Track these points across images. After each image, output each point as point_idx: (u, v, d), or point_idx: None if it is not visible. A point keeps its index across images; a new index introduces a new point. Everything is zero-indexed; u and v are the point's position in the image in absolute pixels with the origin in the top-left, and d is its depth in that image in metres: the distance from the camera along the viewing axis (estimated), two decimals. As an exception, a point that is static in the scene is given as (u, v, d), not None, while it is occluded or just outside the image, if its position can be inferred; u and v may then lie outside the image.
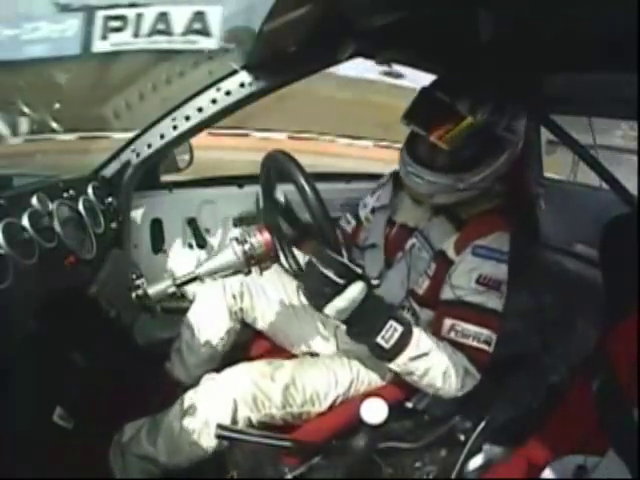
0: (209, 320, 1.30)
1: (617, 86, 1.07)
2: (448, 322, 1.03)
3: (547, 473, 0.85)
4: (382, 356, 0.96)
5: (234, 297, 1.31)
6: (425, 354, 0.96)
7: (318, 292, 0.89)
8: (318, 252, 0.88)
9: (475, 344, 1.01)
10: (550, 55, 1.01)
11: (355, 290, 0.88)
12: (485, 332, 1.01)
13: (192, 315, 1.32)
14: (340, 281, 0.87)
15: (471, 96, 1.07)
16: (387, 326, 0.93)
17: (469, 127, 1.04)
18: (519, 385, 1.20)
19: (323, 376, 1.12)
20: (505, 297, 1.05)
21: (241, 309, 1.32)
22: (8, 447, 0.86)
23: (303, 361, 1.17)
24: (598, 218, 1.04)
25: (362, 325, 0.92)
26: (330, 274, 0.86)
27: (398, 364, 0.96)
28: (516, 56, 1.08)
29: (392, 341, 0.93)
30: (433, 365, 0.97)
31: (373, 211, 1.35)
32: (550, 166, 1.87)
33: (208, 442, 1.03)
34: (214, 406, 1.02)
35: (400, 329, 0.94)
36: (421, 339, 0.97)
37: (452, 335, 1.02)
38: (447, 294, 1.06)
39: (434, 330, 1.04)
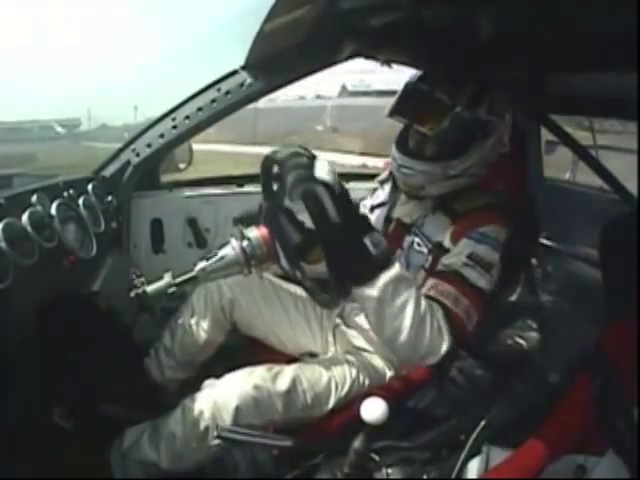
0: (190, 329, 1.30)
1: (617, 86, 1.07)
2: (431, 281, 1.01)
3: (547, 473, 0.85)
4: (364, 267, 0.82)
5: (223, 309, 1.31)
6: (410, 280, 0.87)
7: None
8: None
9: (453, 307, 0.94)
10: (550, 55, 1.01)
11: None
12: (465, 301, 0.96)
13: (174, 320, 1.33)
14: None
15: (451, 83, 1.10)
16: (374, 233, 0.82)
17: (451, 112, 1.07)
18: (519, 385, 1.20)
19: (323, 380, 1.12)
20: (493, 282, 1.03)
21: (233, 321, 1.32)
22: (8, 447, 0.86)
23: (303, 365, 1.16)
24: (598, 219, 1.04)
25: (349, 223, 0.79)
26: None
27: (380, 283, 0.82)
28: (516, 56, 1.08)
29: (379, 248, 0.81)
30: (411, 300, 0.85)
31: (372, 209, 1.35)
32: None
33: (210, 448, 1.03)
34: (216, 413, 1.02)
35: (385, 242, 0.83)
36: (404, 270, 0.87)
37: (432, 292, 0.96)
38: (437, 267, 1.06)
39: None
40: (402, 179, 1.17)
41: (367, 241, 0.81)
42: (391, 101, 1.19)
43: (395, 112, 1.15)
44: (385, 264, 0.83)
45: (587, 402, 0.87)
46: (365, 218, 0.86)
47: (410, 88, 1.17)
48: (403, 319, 0.85)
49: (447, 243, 1.09)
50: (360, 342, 1.22)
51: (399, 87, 1.20)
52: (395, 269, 0.84)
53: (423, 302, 0.88)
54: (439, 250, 1.10)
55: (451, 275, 1.00)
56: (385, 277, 0.82)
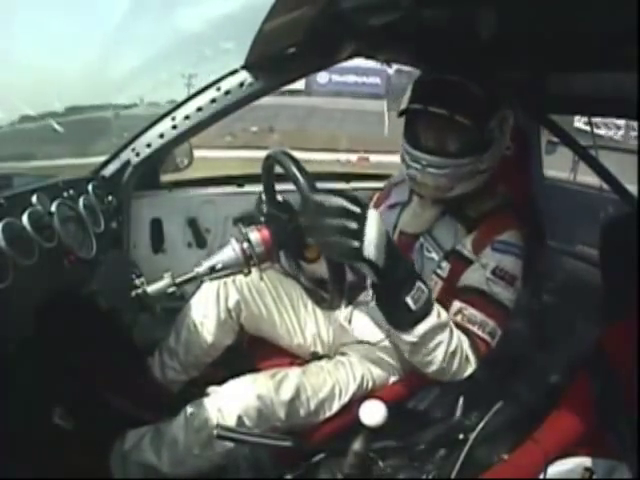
0: (195, 331, 1.28)
1: (617, 85, 1.07)
2: (457, 304, 1.02)
3: (552, 473, 0.85)
4: (404, 321, 0.87)
5: (229, 311, 1.29)
6: (444, 325, 0.91)
7: (341, 235, 0.75)
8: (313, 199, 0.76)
9: (479, 332, 0.99)
10: (550, 55, 1.01)
11: (373, 219, 0.76)
12: (491, 323, 1.00)
13: (180, 321, 1.31)
14: (356, 209, 0.75)
15: (471, 71, 1.07)
16: (416, 286, 0.85)
17: (483, 100, 1.05)
18: (519, 385, 1.20)
19: (327, 387, 1.11)
20: (516, 294, 1.04)
21: (239, 323, 1.31)
22: (8, 447, 0.86)
23: (307, 370, 1.15)
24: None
25: (395, 277, 0.82)
26: (343, 203, 0.74)
27: (417, 333, 0.88)
28: (516, 56, 1.08)
29: (420, 303, 0.85)
30: (445, 340, 0.92)
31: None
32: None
33: (212, 456, 1.04)
34: (220, 421, 1.01)
35: (427, 292, 0.87)
36: (440, 309, 0.92)
37: (458, 318, 1.00)
38: (462, 282, 1.06)
39: None
40: (426, 181, 1.09)
41: (409, 299, 0.84)
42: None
43: (424, 103, 1.05)
44: (423, 315, 0.87)
45: (587, 402, 0.87)
46: (412, 272, 0.88)
47: (433, 80, 1.10)
48: (435, 356, 0.92)
49: (469, 253, 1.07)
50: (365, 345, 1.21)
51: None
52: (432, 319, 0.89)
53: (454, 341, 0.93)
54: (458, 258, 1.08)
55: (476, 296, 1.02)
56: (422, 327, 0.88)
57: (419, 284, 0.86)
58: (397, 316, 0.89)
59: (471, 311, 1.00)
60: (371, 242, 0.75)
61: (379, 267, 0.79)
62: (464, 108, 1.02)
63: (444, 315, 0.93)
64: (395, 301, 0.86)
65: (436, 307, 0.91)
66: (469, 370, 0.97)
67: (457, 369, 0.96)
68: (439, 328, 0.90)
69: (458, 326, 0.98)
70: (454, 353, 0.93)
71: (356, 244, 0.75)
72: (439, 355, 0.92)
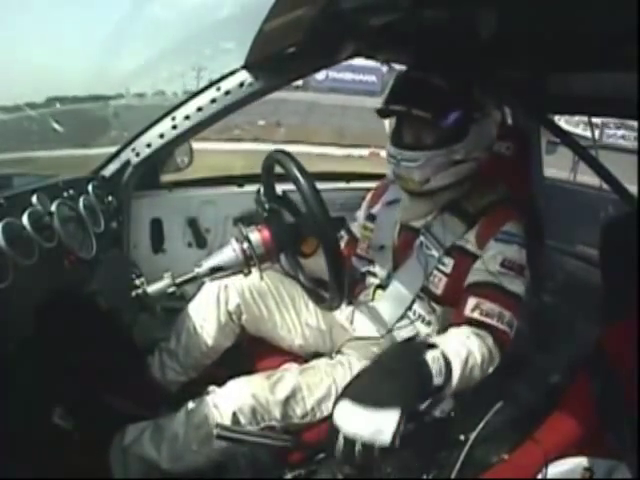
0: (195, 333, 1.28)
1: (617, 85, 1.07)
2: (472, 300, 1.02)
3: (552, 473, 0.85)
4: (440, 392, 0.87)
5: (229, 314, 1.28)
6: (466, 356, 0.91)
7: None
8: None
9: (499, 325, 0.99)
10: (550, 55, 1.01)
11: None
12: (508, 314, 1.00)
13: (180, 324, 1.31)
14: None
15: (444, 68, 1.10)
16: (430, 358, 0.85)
17: (449, 95, 1.07)
18: (519, 385, 1.20)
19: (324, 386, 1.11)
20: (527, 282, 1.05)
21: (240, 325, 1.30)
22: (8, 447, 0.86)
23: (304, 370, 1.15)
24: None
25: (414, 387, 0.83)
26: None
27: (452, 385, 0.88)
28: (516, 56, 1.08)
29: (442, 371, 0.86)
30: (473, 362, 0.92)
31: (372, 218, 1.33)
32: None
33: (210, 453, 1.04)
34: (215, 418, 1.02)
35: (438, 351, 0.87)
36: (454, 346, 0.92)
37: (476, 314, 1.01)
38: (471, 278, 1.06)
39: (458, 311, 1.04)
40: (404, 175, 1.13)
41: (436, 380, 0.84)
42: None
43: (391, 102, 1.12)
44: (450, 371, 0.87)
45: (587, 402, 0.88)
46: (426, 365, 0.85)
47: (402, 79, 1.16)
48: (473, 377, 0.93)
49: (472, 248, 1.09)
50: (365, 342, 1.21)
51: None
52: (456, 367, 0.88)
53: (478, 354, 0.93)
54: (462, 254, 1.09)
55: (491, 290, 1.03)
56: (454, 380, 0.88)
57: (432, 353, 0.86)
58: (434, 396, 0.88)
59: (488, 305, 1.01)
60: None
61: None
62: (423, 102, 1.06)
63: (462, 351, 0.92)
64: (427, 391, 0.85)
65: (451, 349, 0.90)
66: (495, 364, 0.97)
67: (487, 368, 0.96)
68: (465, 363, 0.90)
69: (477, 322, 0.99)
70: (482, 361, 0.94)
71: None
72: (475, 374, 0.93)
